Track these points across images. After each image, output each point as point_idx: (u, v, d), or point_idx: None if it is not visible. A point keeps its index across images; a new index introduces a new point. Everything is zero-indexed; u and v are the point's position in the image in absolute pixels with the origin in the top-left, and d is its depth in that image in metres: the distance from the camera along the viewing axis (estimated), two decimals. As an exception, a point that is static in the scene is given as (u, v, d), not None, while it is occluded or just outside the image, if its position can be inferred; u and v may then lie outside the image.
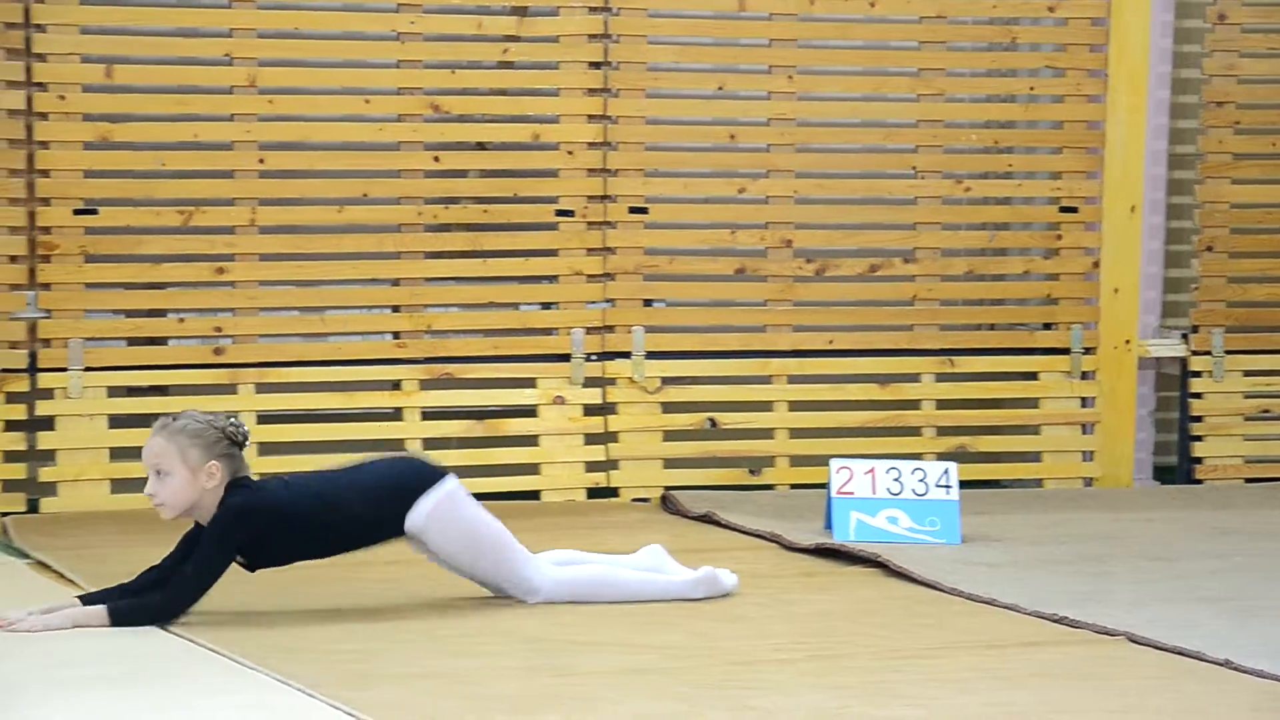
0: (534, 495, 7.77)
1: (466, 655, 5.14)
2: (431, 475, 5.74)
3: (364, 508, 5.64)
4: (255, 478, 5.66)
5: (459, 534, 5.69)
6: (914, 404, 8.20)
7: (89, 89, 7.46)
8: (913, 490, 7.03)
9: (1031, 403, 8.31)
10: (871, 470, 7.06)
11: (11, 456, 7.39)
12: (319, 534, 5.62)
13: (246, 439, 5.59)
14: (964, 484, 7.18)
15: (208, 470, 5.50)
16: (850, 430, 8.08)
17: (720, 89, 8.03)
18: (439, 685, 4.77)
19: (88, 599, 5.62)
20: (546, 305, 7.93)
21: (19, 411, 7.42)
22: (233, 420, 5.59)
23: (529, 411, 7.81)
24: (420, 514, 5.66)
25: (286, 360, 7.66)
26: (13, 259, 7.41)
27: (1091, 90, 8.31)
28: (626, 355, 7.95)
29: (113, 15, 7.50)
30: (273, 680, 4.77)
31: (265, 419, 7.63)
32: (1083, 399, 8.34)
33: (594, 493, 7.87)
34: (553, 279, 7.92)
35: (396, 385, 7.73)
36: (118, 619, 5.44)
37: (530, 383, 7.86)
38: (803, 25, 8.10)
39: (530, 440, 7.79)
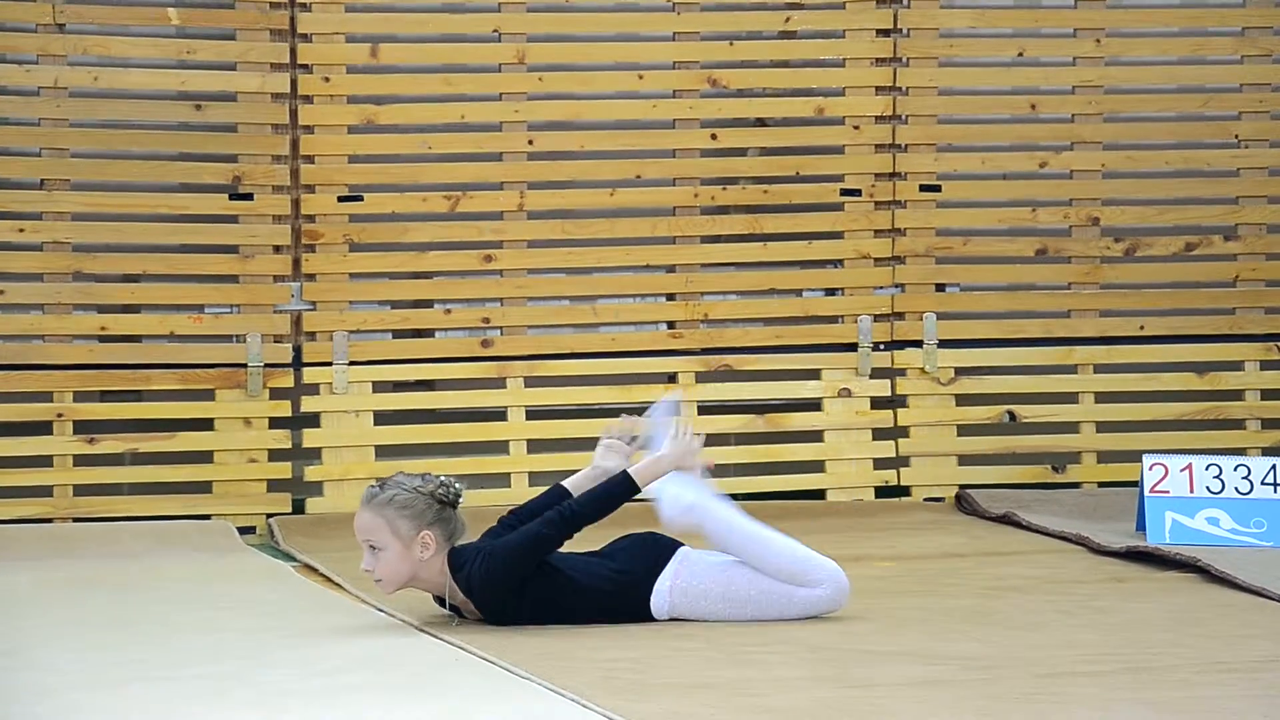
0: (819, 495, 7.68)
1: (748, 665, 5.05)
2: (666, 552, 5.55)
3: (607, 600, 5.51)
4: (472, 539, 5.54)
5: (708, 600, 5.52)
6: (1236, 394, 7.99)
7: (353, 70, 7.49)
8: (1235, 488, 6.87)
9: (1367, 392, 8.12)
10: (1189, 466, 6.89)
11: (276, 455, 7.39)
12: (565, 616, 5.53)
13: (459, 498, 5.47)
14: (1293, 481, 7.07)
15: (421, 541, 5.43)
16: (1164, 423, 7.90)
17: (1020, 55, 7.86)
18: (718, 696, 4.71)
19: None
20: (831, 291, 7.84)
21: (284, 408, 7.42)
22: (442, 481, 5.47)
23: (813, 405, 7.72)
24: (661, 604, 5.52)
25: (556, 353, 7.65)
26: (277, 249, 7.43)
27: None
28: (917, 344, 7.79)
29: (378, -9, 7.59)
30: (545, 690, 4.76)
31: (534, 414, 7.61)
32: None
33: (883, 491, 7.77)
34: (838, 263, 7.80)
35: (672, 378, 7.69)
36: None
37: (814, 374, 7.77)
38: (1111, -16, 7.98)
39: (814, 436, 7.68)
